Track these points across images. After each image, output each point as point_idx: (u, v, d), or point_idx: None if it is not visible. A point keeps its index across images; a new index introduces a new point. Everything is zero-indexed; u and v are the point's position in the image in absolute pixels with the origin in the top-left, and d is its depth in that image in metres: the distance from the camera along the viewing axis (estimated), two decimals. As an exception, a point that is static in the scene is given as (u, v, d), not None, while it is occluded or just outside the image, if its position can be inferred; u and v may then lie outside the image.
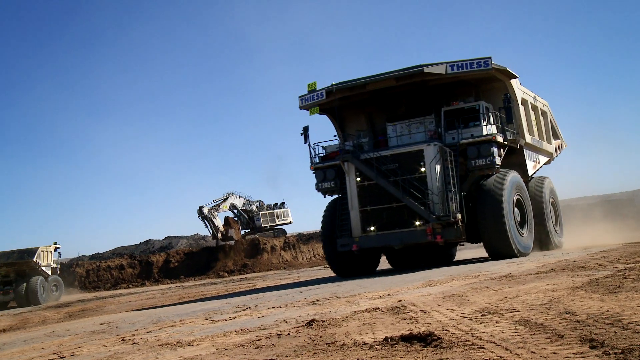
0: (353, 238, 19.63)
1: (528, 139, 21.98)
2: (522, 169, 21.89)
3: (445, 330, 7.27)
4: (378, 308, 10.05)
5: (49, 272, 31.15)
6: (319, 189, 21.27)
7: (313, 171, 21.40)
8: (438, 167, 18.88)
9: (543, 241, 22.73)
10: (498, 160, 19.41)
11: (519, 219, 20.20)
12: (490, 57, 18.97)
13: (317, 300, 13.01)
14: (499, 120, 20.25)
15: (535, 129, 23.21)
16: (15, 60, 77.20)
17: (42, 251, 30.93)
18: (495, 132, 19.80)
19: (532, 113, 23.00)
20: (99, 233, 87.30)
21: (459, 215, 18.53)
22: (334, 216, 20.96)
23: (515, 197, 20.04)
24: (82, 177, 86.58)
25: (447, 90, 21.25)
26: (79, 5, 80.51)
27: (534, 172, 23.56)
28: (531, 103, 23.06)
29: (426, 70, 19.36)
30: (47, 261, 31.14)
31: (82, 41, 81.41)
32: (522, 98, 21.87)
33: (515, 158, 21.75)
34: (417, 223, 18.92)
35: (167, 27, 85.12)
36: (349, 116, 23.19)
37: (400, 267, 23.43)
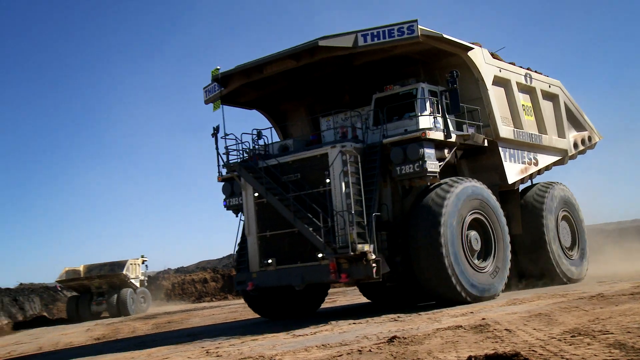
0: (250, 273, 15.20)
1: (505, 132, 16.59)
2: (499, 173, 16.78)
3: (533, 350, 7.02)
4: (461, 326, 9.83)
5: (137, 284, 32.46)
6: (227, 206, 16.49)
7: (222, 183, 16.64)
8: (353, 179, 14.02)
9: (543, 271, 17.40)
10: (434, 166, 14.40)
11: (478, 247, 14.89)
12: (416, 21, 14.12)
13: (398, 316, 12.88)
14: (442, 108, 15.18)
15: (528, 119, 17.92)
16: (110, 73, 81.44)
17: (131, 264, 32.29)
18: (432, 125, 14.80)
19: (519, 96, 17.61)
20: (184, 247, 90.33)
21: (365, 247, 13.33)
22: None
23: (470, 217, 14.75)
24: (168, 192, 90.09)
25: (391, 70, 16.55)
26: (171, 25, 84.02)
27: (525, 178, 17.85)
28: (518, 82, 17.62)
29: (322, 43, 14.38)
30: (135, 274, 32.48)
31: (177, 56, 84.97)
32: (495, 76, 16.60)
33: (489, 159, 16.69)
34: (320, 255, 14.04)
35: (254, 41, 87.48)
36: (289, 110, 18.75)
37: (378, 300, 18.73)
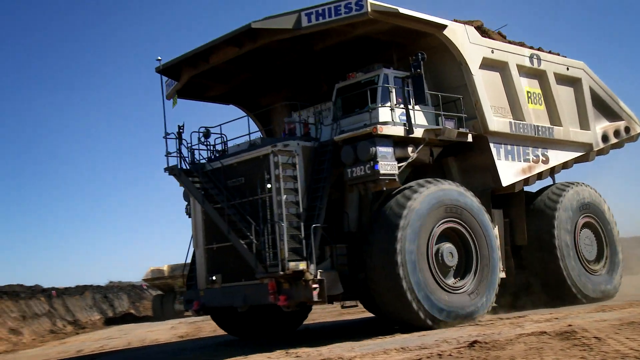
0: (198, 291, 13.51)
1: (496, 124, 14.19)
2: (492, 174, 14.30)
3: (625, 361, 6.70)
4: (545, 332, 9.52)
5: (218, 285, 33.37)
6: (188, 213, 14.58)
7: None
8: (289, 184, 12.19)
9: (554, 288, 14.87)
10: (389, 168, 12.23)
11: (453, 263, 12.73)
12: None
13: (479, 320, 12.61)
14: (405, 98, 12.91)
15: (535, 108, 15.34)
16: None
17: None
18: (393, 118, 12.65)
19: (522, 82, 15.12)
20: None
21: (300, 265, 11.48)
22: None
23: (441, 227, 12.61)
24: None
25: (363, 55, 14.23)
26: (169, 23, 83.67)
27: (529, 178, 15.14)
28: (520, 65, 15.12)
29: (255, 25, 12.51)
30: (216, 274, 33.42)
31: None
32: (484, 58, 14.22)
33: (479, 157, 14.29)
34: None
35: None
36: (271, 104, 16.59)
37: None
